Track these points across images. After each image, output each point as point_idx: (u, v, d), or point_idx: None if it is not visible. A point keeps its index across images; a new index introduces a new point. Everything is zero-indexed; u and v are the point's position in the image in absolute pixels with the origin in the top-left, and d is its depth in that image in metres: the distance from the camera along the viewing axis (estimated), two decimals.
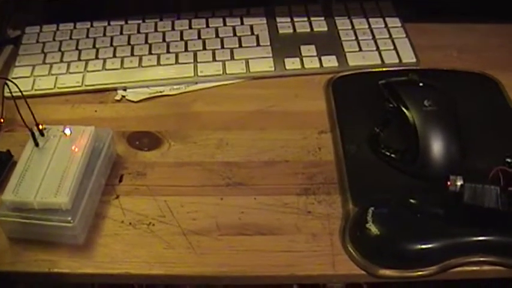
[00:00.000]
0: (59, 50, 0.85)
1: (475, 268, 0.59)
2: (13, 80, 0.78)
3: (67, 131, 0.66)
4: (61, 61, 0.83)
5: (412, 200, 0.61)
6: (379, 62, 0.81)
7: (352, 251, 0.60)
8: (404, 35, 0.84)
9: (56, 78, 0.81)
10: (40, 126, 0.66)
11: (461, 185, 0.58)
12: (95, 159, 0.66)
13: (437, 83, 0.69)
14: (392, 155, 0.67)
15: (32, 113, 0.65)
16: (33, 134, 0.65)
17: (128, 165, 0.70)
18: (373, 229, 0.59)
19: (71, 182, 0.61)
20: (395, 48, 0.82)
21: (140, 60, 0.83)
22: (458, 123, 0.67)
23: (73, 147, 0.65)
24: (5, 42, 0.89)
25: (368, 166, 0.68)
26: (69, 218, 0.60)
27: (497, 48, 0.84)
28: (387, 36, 0.84)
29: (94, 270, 0.61)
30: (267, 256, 0.60)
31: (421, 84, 0.69)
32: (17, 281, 0.68)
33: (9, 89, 0.66)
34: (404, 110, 0.66)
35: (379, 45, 0.83)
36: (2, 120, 0.69)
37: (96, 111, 0.78)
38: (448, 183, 0.58)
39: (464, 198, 0.57)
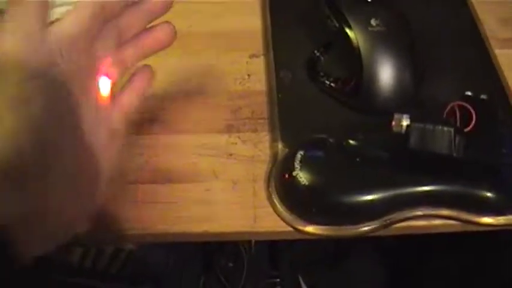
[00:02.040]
0: None
1: (422, 223, 0.50)
2: None
3: None
4: None
5: (351, 141, 0.51)
6: None
7: (277, 202, 0.50)
8: None
9: None
10: None
11: (408, 126, 0.47)
12: None
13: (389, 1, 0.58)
14: (333, 84, 0.56)
15: None
16: None
17: None
18: (302, 177, 0.49)
19: None
20: None
21: None
22: (412, 46, 0.56)
23: None
24: None
25: (304, 98, 0.57)
26: None
27: None
28: None
29: None
30: (176, 209, 0.51)
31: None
32: None
33: None
34: (348, 31, 0.55)
35: None
36: None
37: None
38: (392, 123, 0.48)
39: (411, 141, 0.47)
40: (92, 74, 0.41)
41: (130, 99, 0.45)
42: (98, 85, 0.42)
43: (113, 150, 0.43)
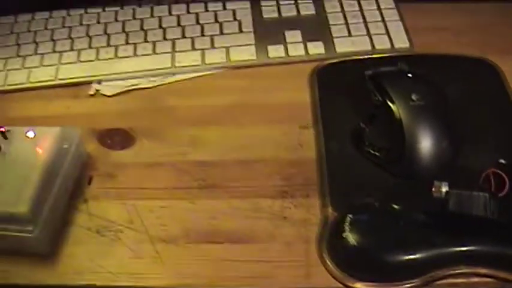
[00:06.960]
0: (34, 41, 0.81)
1: (462, 280, 0.54)
2: None
3: (30, 134, 0.62)
4: (35, 53, 0.79)
5: (395, 205, 0.57)
6: (369, 47, 0.75)
7: (328, 261, 0.55)
8: (398, 18, 0.78)
9: (30, 71, 0.77)
10: (2, 129, 0.62)
11: (446, 192, 0.53)
12: (60, 162, 0.62)
13: (428, 74, 0.64)
14: (377, 153, 0.62)
15: None
16: None
17: (98, 166, 0.66)
18: (350, 238, 0.54)
19: (32, 189, 0.57)
20: (387, 33, 0.77)
21: (116, 50, 0.78)
22: (450, 118, 0.61)
23: (37, 150, 0.61)
24: None
25: (351, 166, 0.63)
26: (30, 228, 0.56)
27: (500, 31, 0.78)
28: (379, 19, 0.78)
29: (57, 282, 0.57)
30: (236, 267, 0.56)
31: (409, 75, 0.63)
32: None
33: None
34: (390, 105, 0.61)
35: (370, 29, 0.77)
36: None
37: (68, 107, 0.74)
38: (433, 189, 0.53)
39: (450, 205, 0.52)
40: None
41: None
42: None
43: None
